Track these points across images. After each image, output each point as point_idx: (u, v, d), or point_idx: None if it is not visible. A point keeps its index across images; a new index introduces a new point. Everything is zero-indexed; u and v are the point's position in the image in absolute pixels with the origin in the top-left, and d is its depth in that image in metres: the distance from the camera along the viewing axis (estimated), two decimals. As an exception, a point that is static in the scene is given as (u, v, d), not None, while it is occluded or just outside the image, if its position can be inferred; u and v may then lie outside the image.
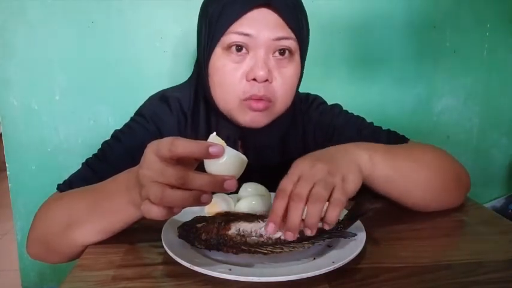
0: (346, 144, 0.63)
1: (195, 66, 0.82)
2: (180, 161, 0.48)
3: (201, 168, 0.50)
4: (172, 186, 0.46)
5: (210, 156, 0.46)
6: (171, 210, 0.47)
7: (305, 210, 0.52)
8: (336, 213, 0.52)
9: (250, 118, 0.71)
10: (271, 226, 0.53)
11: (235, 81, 0.70)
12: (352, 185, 0.56)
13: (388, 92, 1.32)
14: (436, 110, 1.37)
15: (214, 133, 0.52)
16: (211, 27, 0.70)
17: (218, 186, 0.45)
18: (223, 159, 0.47)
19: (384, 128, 0.82)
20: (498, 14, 1.32)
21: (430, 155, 0.72)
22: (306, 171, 0.55)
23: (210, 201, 0.46)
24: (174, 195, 0.46)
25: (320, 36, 1.23)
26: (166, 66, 1.21)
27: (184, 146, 0.46)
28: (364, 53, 1.28)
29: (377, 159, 0.62)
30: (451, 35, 1.31)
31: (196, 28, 0.76)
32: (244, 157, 0.50)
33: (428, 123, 1.37)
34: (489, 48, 1.35)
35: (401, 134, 0.81)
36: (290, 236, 0.52)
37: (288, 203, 0.53)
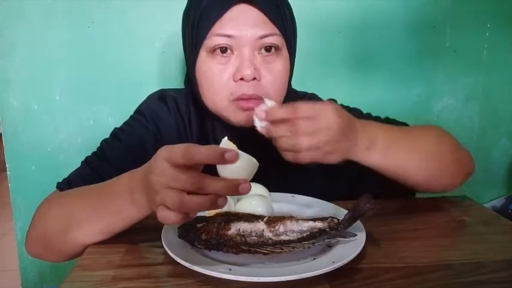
0: (358, 123, 0.63)
1: (186, 72, 0.81)
2: (188, 165, 0.48)
3: (205, 170, 0.51)
4: (188, 192, 0.47)
5: (225, 162, 0.46)
6: (188, 215, 0.48)
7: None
8: (289, 157, 0.59)
9: (244, 118, 0.70)
10: (261, 112, 0.60)
11: (222, 83, 0.69)
12: (329, 161, 0.61)
13: (387, 92, 1.32)
14: (436, 110, 1.37)
15: (226, 138, 0.55)
16: (194, 31, 0.70)
17: (233, 190, 0.46)
18: (236, 163, 0.48)
19: (382, 117, 0.82)
20: (498, 14, 1.32)
21: (430, 139, 0.72)
22: (323, 122, 0.57)
23: (226, 204, 0.47)
24: (192, 201, 0.46)
25: (320, 36, 1.23)
26: (166, 66, 1.21)
27: (200, 153, 0.46)
28: (363, 52, 1.28)
29: (373, 150, 0.64)
30: (451, 35, 1.31)
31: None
32: (255, 160, 0.52)
33: (428, 123, 1.36)
34: (489, 48, 1.34)
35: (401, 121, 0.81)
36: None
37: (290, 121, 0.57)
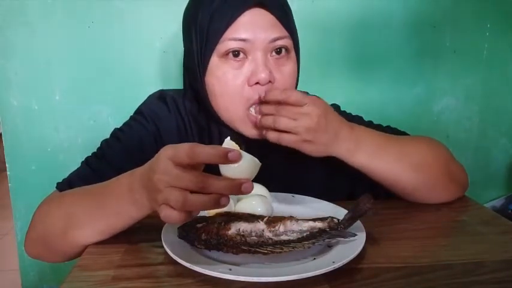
0: (346, 123, 0.69)
1: (184, 74, 0.80)
2: (191, 165, 0.49)
3: (205, 169, 0.51)
4: (191, 191, 0.47)
5: (228, 161, 0.47)
6: (191, 214, 0.49)
7: None
8: (270, 136, 0.67)
9: (256, 132, 0.71)
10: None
11: (237, 89, 0.69)
12: (307, 150, 0.67)
13: (387, 92, 1.32)
14: (436, 110, 1.37)
15: (229, 138, 0.55)
16: (203, 35, 0.69)
17: (236, 189, 0.47)
18: (239, 163, 0.49)
19: (384, 125, 0.82)
20: (498, 14, 1.32)
21: (419, 148, 0.74)
22: (306, 110, 0.64)
23: (228, 203, 0.48)
24: (196, 200, 0.47)
25: (320, 36, 1.23)
26: (166, 66, 1.21)
27: (204, 152, 0.47)
28: (363, 52, 1.28)
29: (358, 151, 0.68)
30: (451, 35, 1.31)
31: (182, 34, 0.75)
32: (257, 160, 0.53)
33: (428, 123, 1.37)
34: (489, 48, 1.34)
35: (402, 131, 0.81)
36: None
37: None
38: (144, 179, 0.53)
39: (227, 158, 0.46)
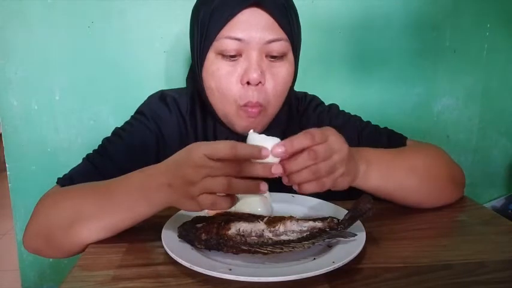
0: (352, 148, 0.60)
1: (190, 69, 0.82)
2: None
3: None
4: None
5: (261, 157, 0.51)
6: (234, 199, 0.53)
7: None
8: (312, 188, 0.54)
9: (246, 124, 0.72)
10: (279, 148, 0.52)
11: (231, 85, 0.70)
12: (342, 185, 0.59)
13: (387, 92, 1.32)
14: (436, 110, 1.37)
15: (252, 130, 0.57)
16: (203, 31, 0.71)
17: (269, 171, 0.51)
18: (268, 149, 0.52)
19: (381, 127, 0.82)
20: (498, 14, 1.32)
21: (424, 159, 0.73)
22: (334, 143, 0.55)
23: (267, 189, 0.51)
24: (240, 183, 0.51)
25: (319, 36, 1.23)
26: (166, 66, 1.21)
27: (245, 150, 0.51)
28: (363, 52, 1.28)
29: (371, 172, 0.64)
30: (451, 35, 1.31)
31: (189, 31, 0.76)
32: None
33: (428, 123, 1.37)
34: (489, 48, 1.34)
35: (399, 133, 0.81)
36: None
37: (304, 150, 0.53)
38: (165, 177, 0.54)
39: (261, 154, 0.50)
